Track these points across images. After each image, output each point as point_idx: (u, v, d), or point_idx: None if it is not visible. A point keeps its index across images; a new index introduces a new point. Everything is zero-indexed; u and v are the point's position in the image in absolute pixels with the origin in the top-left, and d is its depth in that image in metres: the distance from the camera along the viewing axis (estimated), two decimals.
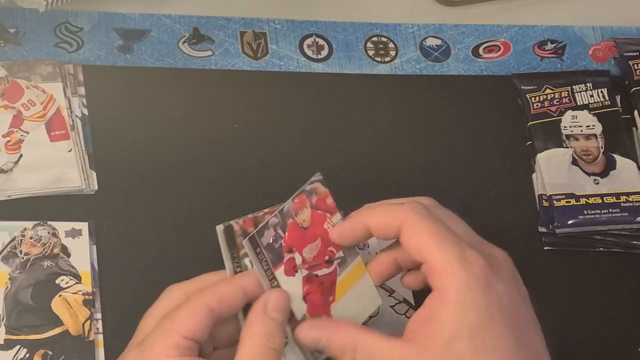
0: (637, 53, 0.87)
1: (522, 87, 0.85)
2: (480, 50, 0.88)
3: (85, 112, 0.77)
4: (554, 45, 0.89)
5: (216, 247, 0.73)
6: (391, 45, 0.87)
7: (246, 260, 0.62)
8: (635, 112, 0.85)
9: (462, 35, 0.88)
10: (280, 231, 0.62)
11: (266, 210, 0.63)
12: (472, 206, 0.79)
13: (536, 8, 0.92)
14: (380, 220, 0.62)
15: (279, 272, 0.61)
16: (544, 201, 0.79)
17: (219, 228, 0.61)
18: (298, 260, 0.62)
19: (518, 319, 0.59)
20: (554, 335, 0.66)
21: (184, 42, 0.83)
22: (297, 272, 0.62)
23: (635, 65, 0.86)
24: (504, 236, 0.78)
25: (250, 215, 0.62)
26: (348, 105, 0.83)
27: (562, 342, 0.71)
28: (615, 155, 0.82)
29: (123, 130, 0.77)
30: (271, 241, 0.61)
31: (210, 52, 0.83)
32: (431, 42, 0.88)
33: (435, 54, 0.87)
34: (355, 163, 0.80)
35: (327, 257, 0.64)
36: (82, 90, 0.78)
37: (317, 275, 0.63)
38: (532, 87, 0.85)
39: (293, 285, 0.62)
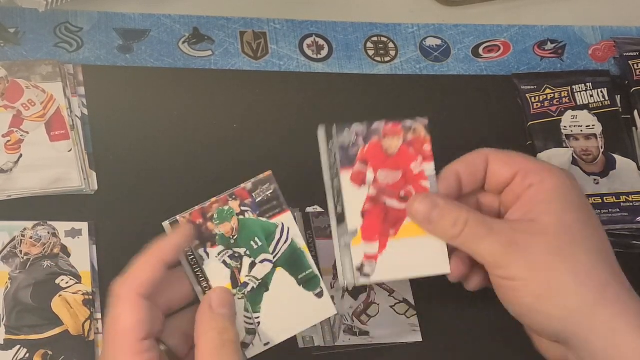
0: (637, 53, 0.87)
1: (522, 87, 0.85)
2: (480, 50, 0.88)
3: (85, 112, 0.77)
4: (554, 45, 0.89)
5: None
6: (391, 45, 0.87)
7: (200, 251, 0.63)
8: (635, 112, 0.85)
9: (462, 35, 0.89)
10: (361, 140, 0.63)
11: (213, 199, 0.63)
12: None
13: (536, 8, 0.92)
14: (467, 162, 0.66)
15: (345, 175, 0.62)
16: None
17: (166, 224, 0.62)
18: (370, 177, 0.63)
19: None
20: None
21: (184, 42, 0.83)
22: (363, 185, 0.63)
23: (635, 65, 0.86)
24: None
25: (196, 207, 0.63)
26: (348, 105, 0.83)
27: None
28: (615, 155, 0.82)
29: (123, 130, 0.77)
30: (347, 144, 0.62)
31: (210, 52, 0.83)
32: (431, 42, 0.88)
33: (435, 54, 0.87)
34: None
35: (402, 193, 0.64)
36: (82, 90, 0.78)
37: (384, 202, 0.63)
38: (532, 87, 0.85)
39: (354, 195, 0.62)
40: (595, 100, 0.84)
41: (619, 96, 0.85)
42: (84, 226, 0.72)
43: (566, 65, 0.88)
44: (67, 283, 0.69)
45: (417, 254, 0.64)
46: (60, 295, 0.69)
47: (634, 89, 0.85)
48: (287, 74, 0.83)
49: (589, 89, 0.85)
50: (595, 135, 0.82)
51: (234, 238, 0.63)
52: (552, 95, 0.84)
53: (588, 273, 0.61)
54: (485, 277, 0.65)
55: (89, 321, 0.68)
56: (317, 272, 0.64)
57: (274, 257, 0.64)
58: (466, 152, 0.82)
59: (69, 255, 0.71)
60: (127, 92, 0.80)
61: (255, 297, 0.63)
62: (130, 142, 0.77)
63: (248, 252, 0.64)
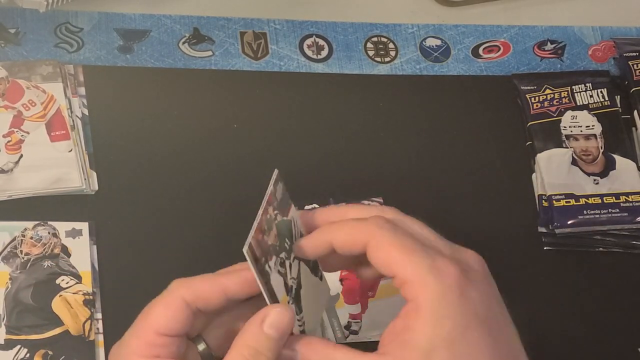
0: (637, 53, 0.87)
1: (522, 87, 0.85)
2: (480, 51, 0.88)
3: (86, 112, 0.77)
4: (553, 45, 0.89)
5: (216, 247, 0.73)
6: (391, 45, 0.87)
7: (266, 267, 0.59)
8: (635, 112, 0.85)
9: (462, 36, 0.89)
10: None
11: (261, 212, 0.61)
12: (471, 206, 0.79)
13: (536, 8, 0.92)
14: (345, 238, 0.60)
15: None
16: (543, 201, 0.79)
17: (245, 250, 0.58)
18: None
19: (494, 324, 0.58)
20: (553, 335, 0.66)
21: (184, 43, 0.83)
22: None
23: (635, 66, 0.86)
24: (503, 236, 0.78)
25: (255, 224, 0.60)
26: (348, 105, 0.83)
27: (561, 342, 0.72)
28: (615, 156, 0.82)
29: (123, 130, 0.78)
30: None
31: (210, 53, 0.83)
32: (431, 42, 0.88)
33: (435, 54, 0.87)
34: (355, 163, 0.80)
35: None
36: (82, 90, 0.78)
37: None
38: (532, 88, 0.85)
39: None
40: (595, 101, 0.84)
41: (618, 96, 0.85)
42: (84, 226, 0.72)
43: (566, 66, 0.88)
44: (67, 283, 0.69)
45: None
46: (60, 295, 0.69)
47: (633, 89, 0.85)
48: (287, 74, 0.83)
49: (588, 89, 0.85)
50: (595, 136, 0.82)
51: (277, 245, 0.61)
52: (552, 95, 0.84)
53: None
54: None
55: (89, 321, 0.68)
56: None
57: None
58: (466, 153, 0.82)
59: (69, 255, 0.71)
60: (128, 92, 0.80)
61: (297, 298, 0.61)
62: (131, 142, 0.77)
63: (285, 255, 0.61)
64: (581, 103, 0.84)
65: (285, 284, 0.60)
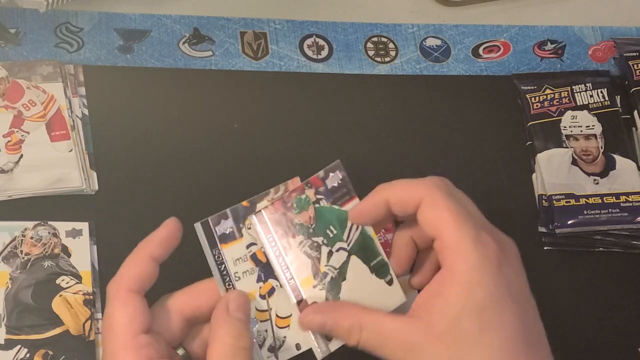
0: (637, 53, 0.87)
1: (522, 87, 0.85)
2: (480, 51, 0.88)
3: (86, 112, 0.77)
4: (553, 45, 0.89)
5: None
6: (391, 45, 0.87)
7: (283, 242, 0.62)
8: (635, 112, 0.85)
9: (462, 36, 0.89)
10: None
11: (291, 188, 0.63)
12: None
13: (536, 8, 0.92)
14: (401, 194, 0.62)
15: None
16: (543, 201, 0.79)
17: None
18: None
19: (524, 303, 0.60)
20: (554, 336, 0.66)
21: (184, 43, 0.83)
22: None
23: (635, 66, 0.86)
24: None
25: (276, 197, 0.63)
26: (348, 105, 0.83)
27: (562, 342, 0.72)
28: (615, 156, 0.82)
29: (123, 130, 0.78)
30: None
31: (210, 52, 0.83)
32: (431, 42, 0.88)
33: (435, 54, 0.87)
34: (355, 163, 0.80)
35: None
36: (82, 90, 0.78)
37: None
38: (532, 87, 0.85)
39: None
40: (595, 101, 0.84)
41: (618, 96, 0.85)
42: (84, 226, 0.72)
43: (566, 66, 0.88)
44: (67, 283, 0.70)
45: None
46: (60, 295, 0.69)
47: (633, 89, 0.85)
48: (287, 74, 0.83)
49: (588, 89, 0.85)
50: (595, 136, 0.82)
51: (312, 227, 0.63)
52: (552, 95, 0.84)
53: None
54: (428, 278, 0.63)
55: (89, 321, 0.68)
56: (387, 260, 0.64)
57: (347, 245, 0.63)
58: (466, 153, 0.82)
59: (69, 255, 0.71)
60: (128, 92, 0.80)
61: (334, 286, 0.63)
62: (131, 142, 0.77)
63: (325, 241, 0.63)
64: (581, 103, 0.84)
65: (316, 268, 0.62)
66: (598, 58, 0.89)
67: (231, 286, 0.62)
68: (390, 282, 0.64)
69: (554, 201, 0.79)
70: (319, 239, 0.63)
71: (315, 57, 0.85)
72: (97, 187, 0.74)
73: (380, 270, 0.64)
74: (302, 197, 0.63)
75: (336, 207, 0.64)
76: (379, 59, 0.86)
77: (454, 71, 0.86)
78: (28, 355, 0.66)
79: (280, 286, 0.62)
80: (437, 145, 0.83)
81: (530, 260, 0.77)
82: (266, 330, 0.62)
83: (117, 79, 0.80)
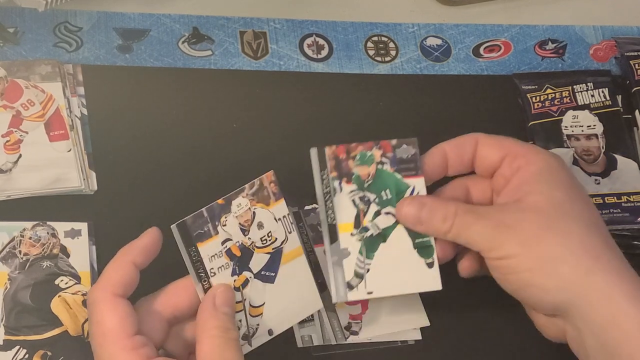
0: (638, 52, 0.87)
1: (523, 87, 0.85)
2: (481, 50, 0.88)
3: (85, 112, 0.77)
4: (554, 44, 0.89)
5: None
6: (391, 44, 0.87)
7: (335, 183, 0.66)
8: (637, 112, 0.84)
9: (463, 35, 0.88)
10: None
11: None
12: None
13: (537, 8, 0.91)
14: (456, 142, 0.68)
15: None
16: None
17: (313, 151, 0.66)
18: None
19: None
20: None
21: (183, 42, 0.83)
22: None
23: (636, 65, 0.86)
24: None
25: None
26: (348, 105, 0.83)
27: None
28: (616, 156, 0.81)
29: (122, 130, 0.77)
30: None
31: (210, 52, 0.83)
32: (432, 41, 0.88)
33: (436, 53, 0.87)
34: None
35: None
36: (81, 90, 0.78)
37: None
38: (533, 87, 0.85)
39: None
40: (597, 100, 0.84)
41: (619, 96, 0.85)
42: (83, 226, 0.72)
43: (567, 65, 0.88)
44: (66, 283, 0.69)
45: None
46: (59, 296, 0.69)
47: (635, 88, 0.85)
48: (287, 74, 0.83)
49: (590, 88, 0.84)
50: (596, 135, 0.82)
51: (368, 183, 0.66)
52: (553, 95, 0.84)
53: (580, 244, 0.62)
54: (476, 262, 0.67)
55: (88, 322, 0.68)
56: (433, 243, 0.66)
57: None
58: None
59: (68, 255, 0.71)
60: (127, 92, 0.80)
61: (372, 244, 0.66)
62: (130, 142, 0.77)
63: (377, 200, 0.66)
64: (582, 103, 0.84)
65: (358, 217, 0.66)
66: (599, 57, 0.89)
67: (207, 282, 0.63)
68: (431, 265, 0.66)
69: None
70: (371, 196, 0.67)
71: (315, 56, 0.85)
72: (96, 187, 0.74)
73: (424, 250, 0.66)
74: (367, 152, 0.67)
75: (399, 176, 0.67)
76: (379, 59, 0.86)
77: (455, 71, 0.86)
78: (27, 356, 0.66)
79: (254, 277, 0.64)
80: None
81: None
82: (240, 320, 0.64)
83: (116, 79, 0.80)
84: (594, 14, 0.92)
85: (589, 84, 0.85)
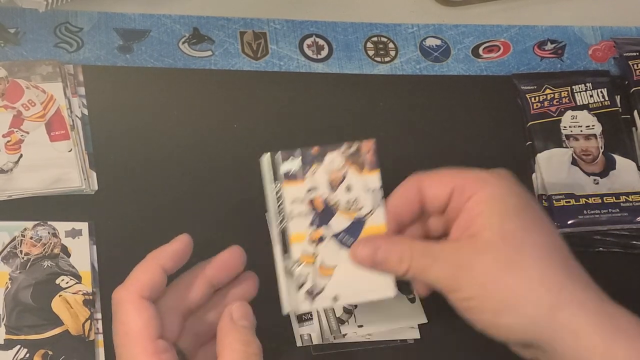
0: (637, 53, 0.87)
1: (522, 87, 0.85)
2: (480, 51, 0.88)
3: (86, 112, 0.77)
4: (553, 45, 0.89)
5: (215, 246, 0.73)
6: (391, 45, 0.87)
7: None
8: (635, 112, 0.85)
9: (462, 36, 0.89)
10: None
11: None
12: None
13: (536, 8, 0.92)
14: (399, 194, 0.66)
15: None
16: (543, 201, 0.79)
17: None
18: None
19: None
20: None
21: (184, 42, 0.83)
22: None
23: (635, 65, 0.86)
24: None
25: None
26: (348, 105, 0.83)
27: None
28: (615, 156, 0.82)
29: (123, 130, 0.78)
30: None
31: (210, 52, 0.83)
32: (431, 42, 0.88)
33: (435, 54, 0.87)
34: None
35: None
36: (82, 90, 0.78)
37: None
38: (532, 87, 0.85)
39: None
40: (595, 101, 0.84)
41: (618, 96, 0.85)
42: (84, 226, 0.72)
43: (566, 66, 0.88)
44: (67, 283, 0.69)
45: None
46: (60, 295, 0.69)
47: (633, 89, 0.85)
48: (287, 74, 0.83)
49: (588, 89, 0.85)
50: (595, 135, 0.82)
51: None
52: (552, 95, 0.84)
53: (540, 280, 0.60)
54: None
55: (89, 321, 0.68)
56: None
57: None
58: (466, 153, 0.82)
59: (69, 255, 0.71)
60: (127, 92, 0.80)
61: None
62: (131, 142, 0.77)
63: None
64: (581, 103, 0.84)
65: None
66: (598, 58, 0.89)
67: (284, 222, 0.63)
68: (413, 300, 0.68)
69: (554, 201, 0.79)
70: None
71: (315, 57, 0.85)
72: (96, 187, 0.74)
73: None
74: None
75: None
76: (378, 59, 0.86)
77: (454, 71, 0.86)
78: (28, 355, 0.66)
79: (331, 237, 0.64)
80: (437, 145, 0.83)
81: None
82: (308, 274, 0.63)
83: (116, 79, 0.80)
84: (593, 14, 0.92)
85: (587, 84, 0.85)
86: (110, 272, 0.71)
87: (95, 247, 0.72)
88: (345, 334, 0.71)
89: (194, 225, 0.74)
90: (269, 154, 0.63)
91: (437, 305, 0.69)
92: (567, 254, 0.63)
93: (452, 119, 0.84)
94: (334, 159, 0.64)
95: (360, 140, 0.65)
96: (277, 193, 0.63)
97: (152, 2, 0.85)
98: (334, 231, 0.63)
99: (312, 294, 0.63)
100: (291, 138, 0.80)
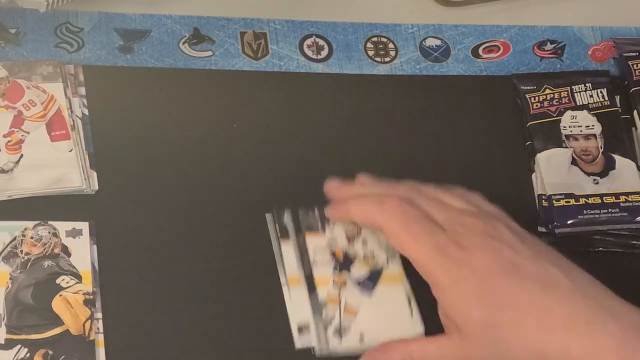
0: (637, 53, 0.87)
1: (522, 87, 0.85)
2: (480, 51, 0.88)
3: (86, 112, 0.77)
4: (553, 45, 0.89)
5: (215, 246, 0.73)
6: (391, 45, 0.87)
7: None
8: (635, 112, 0.85)
9: (462, 36, 0.89)
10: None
11: None
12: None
13: (536, 8, 0.92)
14: (362, 219, 0.69)
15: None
16: (543, 201, 0.79)
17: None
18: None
19: (513, 266, 0.65)
20: None
21: (184, 43, 0.83)
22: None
23: (635, 66, 0.86)
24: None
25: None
26: (348, 105, 0.83)
27: None
28: (614, 155, 0.82)
29: (124, 130, 0.78)
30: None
31: (210, 53, 0.83)
32: (431, 42, 0.88)
33: (435, 54, 0.87)
34: (355, 163, 0.80)
35: None
36: (82, 90, 0.78)
37: None
38: (532, 87, 0.85)
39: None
40: (595, 101, 0.84)
41: (618, 96, 0.85)
42: (84, 226, 0.72)
43: (566, 66, 0.88)
44: (67, 283, 0.70)
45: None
46: (60, 295, 0.69)
47: (633, 89, 0.85)
48: (287, 74, 0.83)
49: (588, 89, 0.85)
50: (594, 135, 0.82)
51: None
52: (552, 95, 0.84)
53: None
54: None
55: (89, 321, 0.68)
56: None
57: None
58: (466, 153, 0.82)
59: (69, 255, 0.71)
60: (128, 92, 0.80)
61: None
62: (131, 142, 0.77)
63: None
64: (581, 103, 0.84)
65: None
66: (598, 58, 0.89)
67: (308, 270, 0.68)
68: (411, 314, 0.70)
69: (554, 201, 0.79)
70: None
71: (315, 57, 0.85)
72: (97, 187, 0.74)
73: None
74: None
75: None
76: (378, 59, 0.86)
77: (454, 71, 0.86)
78: (28, 354, 0.66)
79: (353, 283, 0.69)
80: (437, 145, 0.83)
81: None
82: (335, 315, 0.67)
83: (117, 79, 0.80)
84: (592, 14, 0.92)
85: (587, 84, 0.85)
86: (111, 272, 0.71)
87: (95, 246, 0.72)
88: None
89: (194, 225, 0.74)
90: (287, 211, 0.70)
91: (434, 315, 0.69)
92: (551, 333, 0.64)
93: (452, 118, 0.84)
94: None
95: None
96: (300, 244, 0.69)
97: (153, 3, 0.85)
98: (355, 277, 0.69)
99: (339, 331, 0.67)
100: (291, 138, 0.80)
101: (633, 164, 0.82)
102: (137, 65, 0.81)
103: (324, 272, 0.68)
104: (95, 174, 0.74)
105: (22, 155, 0.74)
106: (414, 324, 0.69)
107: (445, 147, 0.83)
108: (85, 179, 0.74)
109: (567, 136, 0.82)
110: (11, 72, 0.77)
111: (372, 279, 0.69)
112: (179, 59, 0.82)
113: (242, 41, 0.84)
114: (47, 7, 0.77)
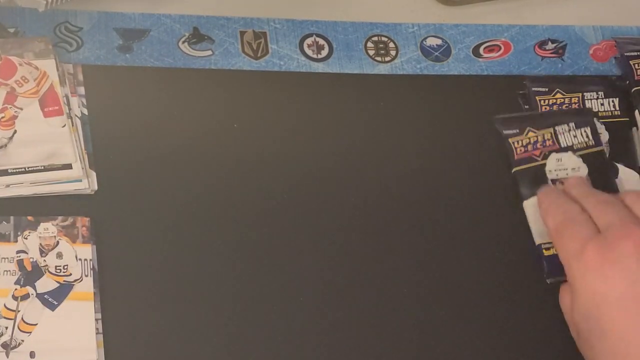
0: (638, 53, 0.87)
1: (505, 132, 0.81)
2: (481, 50, 0.88)
3: (85, 111, 0.77)
4: (554, 44, 0.89)
5: (215, 246, 0.73)
6: (391, 44, 0.87)
7: None
8: (636, 112, 0.84)
9: (463, 35, 0.88)
10: None
11: None
12: (471, 206, 0.79)
13: (537, 8, 0.92)
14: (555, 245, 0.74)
15: None
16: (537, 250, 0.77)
17: None
18: None
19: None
20: (555, 337, 0.66)
21: (184, 42, 0.83)
22: None
23: (636, 65, 0.86)
24: (504, 236, 0.78)
25: None
26: (348, 105, 0.83)
27: (562, 341, 0.71)
28: (619, 165, 0.81)
29: (123, 130, 0.77)
30: None
31: (210, 52, 0.83)
32: (432, 41, 0.88)
33: (436, 53, 0.87)
34: (355, 163, 0.80)
35: None
36: (81, 90, 0.78)
37: None
38: (515, 132, 0.81)
39: None
40: (580, 141, 0.81)
41: (617, 99, 0.85)
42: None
43: (567, 65, 0.88)
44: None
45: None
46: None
47: (634, 88, 0.85)
48: (287, 74, 0.83)
49: (572, 129, 0.82)
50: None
51: None
52: (535, 138, 0.81)
53: None
54: None
55: None
56: None
57: None
58: (466, 152, 0.82)
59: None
60: (127, 91, 0.80)
61: None
62: (131, 142, 0.77)
63: None
64: (565, 145, 0.81)
65: None
66: (599, 57, 0.89)
67: None
68: None
69: (544, 250, 0.76)
70: None
71: (315, 56, 0.85)
72: (96, 187, 0.74)
73: None
74: None
75: None
76: (379, 59, 0.86)
77: (455, 71, 0.86)
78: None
79: (36, 296, 0.67)
80: (437, 144, 0.82)
81: (533, 292, 0.76)
82: (7, 327, 0.65)
83: (116, 79, 0.80)
84: (593, 14, 0.92)
85: (570, 124, 0.82)
86: (110, 272, 0.71)
87: (95, 247, 0.71)
88: None
89: (194, 225, 0.74)
90: None
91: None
92: None
93: (453, 118, 0.84)
94: (47, 227, 0.69)
95: (75, 216, 0.70)
96: None
97: (152, 2, 0.84)
98: (39, 291, 0.67)
99: (8, 347, 0.65)
100: (291, 138, 0.80)
101: (636, 175, 0.81)
102: (137, 64, 0.81)
103: (4, 284, 0.66)
104: (94, 174, 0.74)
105: (15, 131, 0.74)
106: (90, 346, 0.66)
107: (445, 147, 0.82)
108: (82, 168, 0.74)
109: (553, 180, 0.79)
110: (3, 49, 0.77)
111: (60, 294, 0.68)
112: (178, 58, 0.82)
113: (242, 40, 0.84)
114: (46, 6, 0.77)
